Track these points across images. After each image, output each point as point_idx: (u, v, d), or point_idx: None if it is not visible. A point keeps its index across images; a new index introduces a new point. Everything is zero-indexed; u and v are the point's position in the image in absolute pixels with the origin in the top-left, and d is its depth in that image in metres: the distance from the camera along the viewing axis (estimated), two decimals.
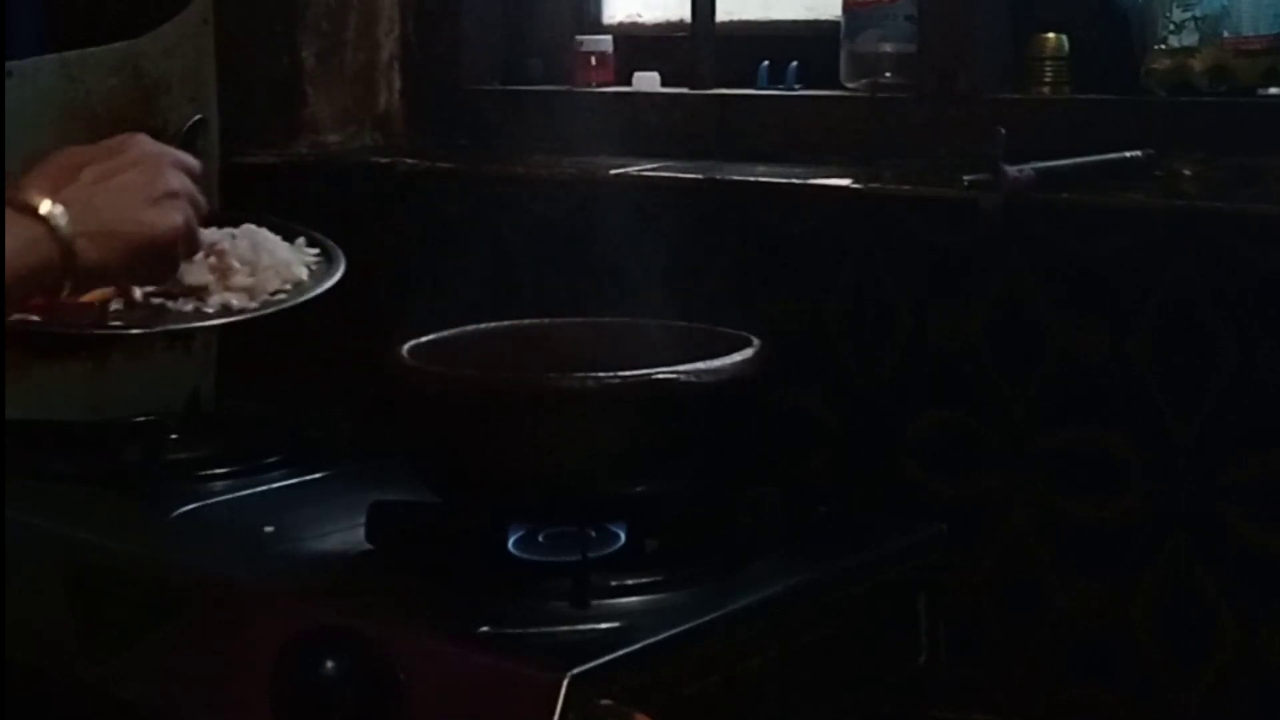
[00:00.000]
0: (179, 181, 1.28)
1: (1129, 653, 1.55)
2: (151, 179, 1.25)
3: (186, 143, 1.50)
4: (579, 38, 2.03)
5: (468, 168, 1.93)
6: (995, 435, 1.61)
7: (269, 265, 1.46)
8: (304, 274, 1.50)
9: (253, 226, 1.51)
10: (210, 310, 1.42)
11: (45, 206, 1.18)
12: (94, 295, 1.33)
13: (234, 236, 1.49)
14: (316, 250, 1.55)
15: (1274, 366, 1.46)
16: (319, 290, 1.48)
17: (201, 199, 1.32)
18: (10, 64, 1.87)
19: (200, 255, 1.40)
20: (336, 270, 1.52)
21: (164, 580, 1.48)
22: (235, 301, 1.44)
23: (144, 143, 1.29)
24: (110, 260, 1.22)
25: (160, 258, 1.27)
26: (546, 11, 2.13)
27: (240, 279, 1.44)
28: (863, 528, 1.58)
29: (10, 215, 1.17)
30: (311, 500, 1.66)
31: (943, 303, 1.63)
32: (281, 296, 1.47)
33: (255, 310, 1.44)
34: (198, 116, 1.58)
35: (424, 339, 1.54)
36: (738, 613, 1.37)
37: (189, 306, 1.41)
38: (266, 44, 2.08)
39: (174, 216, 1.26)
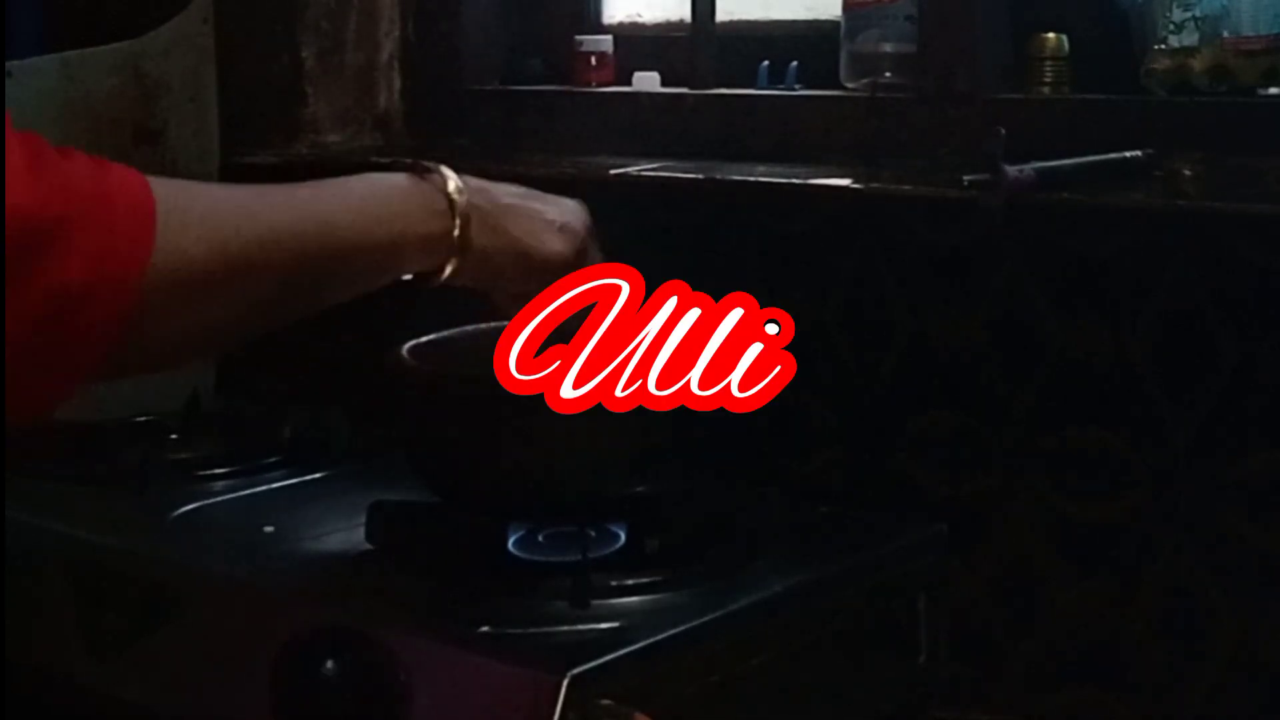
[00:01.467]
0: (583, 225, 1.32)
1: (1129, 653, 1.55)
2: (561, 214, 1.29)
3: None
4: (579, 38, 2.03)
5: (468, 168, 1.93)
6: (995, 435, 1.61)
7: None
8: None
9: None
10: None
11: (452, 182, 1.19)
12: None
13: None
14: None
15: (1274, 366, 1.46)
16: None
17: (599, 255, 1.34)
18: (10, 64, 1.87)
19: None
20: None
21: (164, 580, 1.48)
22: None
23: (576, 204, 1.34)
24: (491, 251, 1.23)
25: (536, 275, 1.27)
26: (546, 11, 2.13)
27: None
28: (863, 528, 1.58)
29: (415, 180, 1.18)
30: (311, 500, 1.66)
31: (943, 303, 1.63)
32: None
33: None
34: None
35: (424, 339, 1.54)
36: (738, 613, 1.37)
37: None
38: (266, 44, 2.08)
39: (565, 248, 1.29)
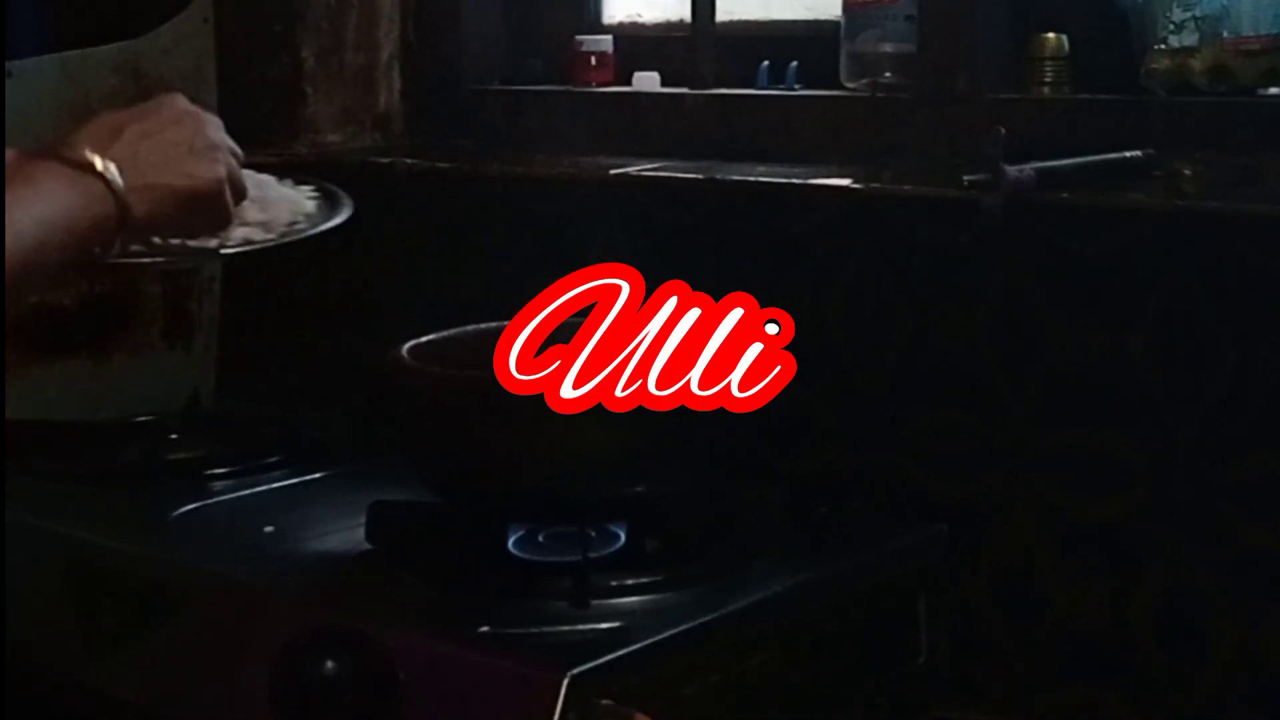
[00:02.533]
0: (218, 135, 1.30)
1: (1129, 653, 1.55)
2: (192, 133, 1.28)
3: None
4: (579, 38, 2.03)
5: (468, 168, 1.93)
6: (995, 435, 1.61)
7: (277, 199, 1.45)
8: (311, 207, 1.48)
9: (249, 170, 1.51)
10: (232, 245, 1.41)
11: (99, 162, 1.20)
12: None
13: None
14: (313, 188, 1.54)
15: (1274, 366, 1.46)
16: (336, 220, 1.45)
17: (239, 150, 1.34)
18: (10, 64, 1.87)
19: None
20: (344, 203, 1.50)
21: (164, 580, 1.48)
22: (257, 235, 1.42)
23: (178, 101, 1.32)
24: (161, 212, 1.24)
25: (209, 208, 1.29)
26: (546, 11, 2.13)
27: (253, 213, 1.42)
28: (863, 528, 1.58)
29: (66, 172, 1.19)
30: (311, 500, 1.66)
31: (943, 303, 1.63)
32: (301, 227, 1.44)
33: (276, 240, 1.43)
34: None
35: (424, 339, 1.54)
36: (738, 613, 1.37)
37: (212, 243, 1.40)
38: (266, 44, 2.08)
39: (217, 168, 1.28)
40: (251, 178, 1.45)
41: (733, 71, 1.91)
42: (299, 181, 1.52)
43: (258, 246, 1.39)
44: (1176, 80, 1.58)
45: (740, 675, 1.36)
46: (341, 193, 1.51)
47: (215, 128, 1.31)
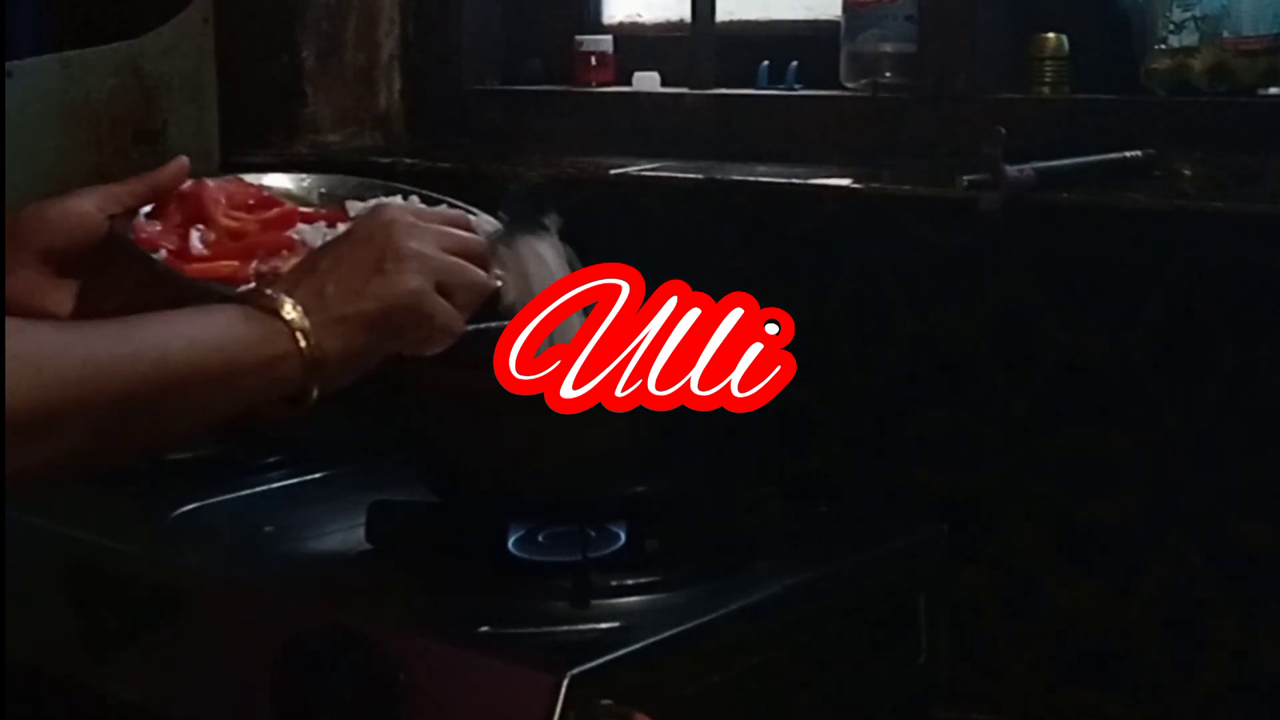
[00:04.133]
0: (420, 239, 1.20)
1: (1129, 653, 1.55)
2: (381, 248, 1.18)
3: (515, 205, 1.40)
4: (579, 38, 2.03)
5: (468, 168, 1.93)
6: (995, 435, 1.61)
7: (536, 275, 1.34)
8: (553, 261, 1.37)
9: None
10: None
11: (283, 302, 1.13)
12: None
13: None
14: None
15: (1274, 366, 1.46)
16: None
17: (473, 241, 1.25)
18: (10, 64, 1.87)
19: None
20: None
21: (164, 580, 1.48)
22: None
23: (381, 212, 1.24)
24: (351, 345, 1.16)
25: (410, 323, 1.19)
26: (546, 11, 2.13)
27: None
28: (863, 528, 1.58)
29: (245, 310, 1.13)
30: (311, 500, 1.66)
31: (943, 303, 1.63)
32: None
33: None
34: (521, 186, 1.46)
35: None
36: (738, 613, 1.37)
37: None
38: (266, 44, 2.08)
39: (408, 280, 1.18)
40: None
41: (733, 71, 1.91)
42: (431, 201, 1.40)
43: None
44: (1176, 80, 1.58)
45: (740, 675, 1.36)
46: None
47: (418, 232, 1.21)
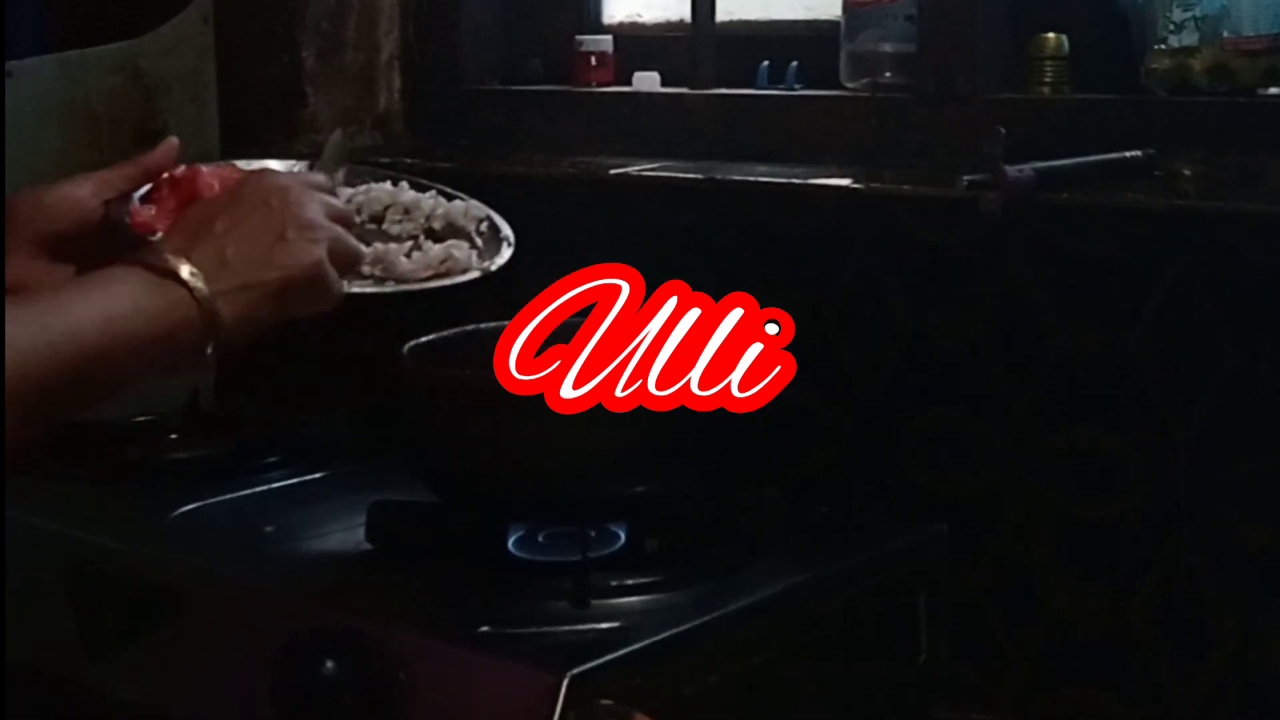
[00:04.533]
0: (314, 208, 1.21)
1: (1129, 653, 1.55)
2: (282, 216, 1.19)
3: (326, 162, 1.42)
4: (579, 38, 2.03)
5: (468, 168, 1.93)
6: (995, 435, 1.61)
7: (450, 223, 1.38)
8: (466, 252, 1.39)
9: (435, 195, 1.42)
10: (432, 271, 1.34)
11: (183, 268, 1.13)
12: None
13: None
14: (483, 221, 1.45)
15: (1274, 366, 1.46)
16: (495, 264, 1.38)
17: (346, 210, 1.27)
18: (10, 64, 1.87)
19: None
20: (504, 241, 1.42)
21: (164, 580, 1.48)
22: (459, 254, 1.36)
23: (268, 178, 1.24)
24: (254, 311, 1.17)
25: (309, 292, 1.20)
26: (546, 11, 2.13)
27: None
28: (863, 528, 1.58)
29: (147, 276, 1.13)
30: (311, 500, 1.66)
31: (943, 303, 1.63)
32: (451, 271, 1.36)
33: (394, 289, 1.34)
34: (337, 134, 1.50)
35: (424, 339, 1.54)
36: (738, 613, 1.37)
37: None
38: (266, 44, 2.08)
39: (313, 250, 1.19)
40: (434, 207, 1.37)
41: (733, 71, 1.91)
42: (420, 188, 1.44)
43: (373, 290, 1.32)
44: (1176, 80, 1.58)
45: (740, 675, 1.36)
46: (504, 226, 1.44)
47: (310, 200, 1.22)
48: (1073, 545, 1.58)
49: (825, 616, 1.45)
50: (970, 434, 1.62)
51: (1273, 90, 1.57)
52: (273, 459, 1.77)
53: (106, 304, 1.11)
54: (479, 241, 1.41)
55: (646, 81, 1.98)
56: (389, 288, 1.33)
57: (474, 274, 1.37)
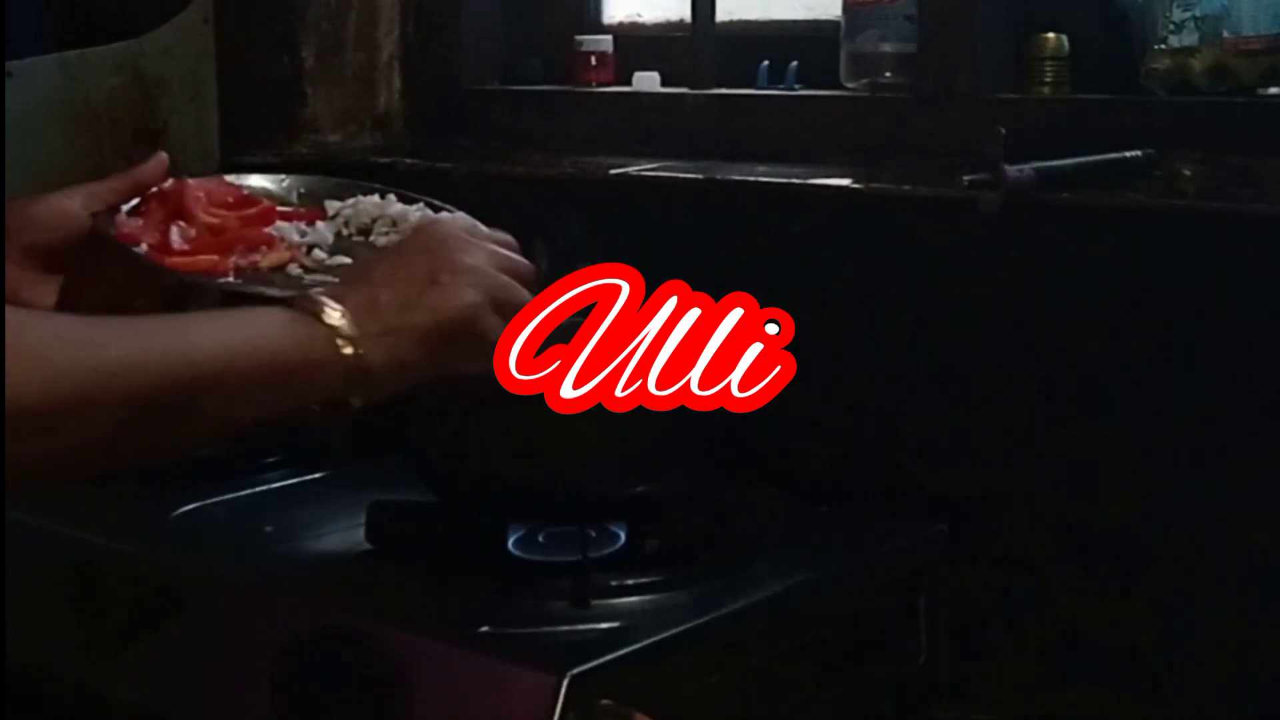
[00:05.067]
0: (476, 254, 1.20)
1: (1129, 653, 1.55)
2: (437, 260, 1.17)
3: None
4: (579, 38, 2.03)
5: (468, 168, 1.93)
6: (995, 435, 1.61)
7: None
8: None
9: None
10: None
11: (329, 308, 1.11)
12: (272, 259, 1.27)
13: None
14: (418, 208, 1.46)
15: (1274, 366, 1.46)
16: None
17: (524, 264, 1.24)
18: (10, 64, 1.87)
19: None
20: None
21: (164, 580, 1.48)
22: None
23: (437, 226, 1.24)
24: (399, 357, 1.13)
25: (463, 338, 1.17)
26: (546, 11, 2.13)
27: None
28: (863, 528, 1.58)
29: (290, 314, 1.11)
30: (311, 500, 1.66)
31: (943, 303, 1.63)
32: None
33: None
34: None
35: None
36: (738, 613, 1.37)
37: None
38: (266, 44, 2.08)
39: (464, 294, 1.16)
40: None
41: (733, 71, 1.91)
42: (408, 200, 1.42)
43: None
44: (1176, 80, 1.58)
45: (740, 675, 1.36)
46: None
47: (473, 247, 1.20)
48: (1073, 545, 1.57)
49: (825, 616, 1.45)
50: (970, 434, 1.62)
51: (1273, 90, 1.57)
52: (273, 459, 1.77)
53: (235, 331, 1.08)
54: None
55: (646, 81, 1.98)
56: None
57: None
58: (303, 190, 1.40)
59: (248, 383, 1.07)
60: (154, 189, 1.32)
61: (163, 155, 1.35)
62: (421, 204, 1.40)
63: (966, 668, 1.62)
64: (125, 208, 1.31)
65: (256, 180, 1.40)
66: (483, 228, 1.28)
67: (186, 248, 1.27)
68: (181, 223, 1.29)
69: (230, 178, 1.38)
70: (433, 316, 1.15)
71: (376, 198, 1.40)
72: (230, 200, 1.34)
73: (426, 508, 1.50)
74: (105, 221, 1.28)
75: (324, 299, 1.12)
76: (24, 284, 1.27)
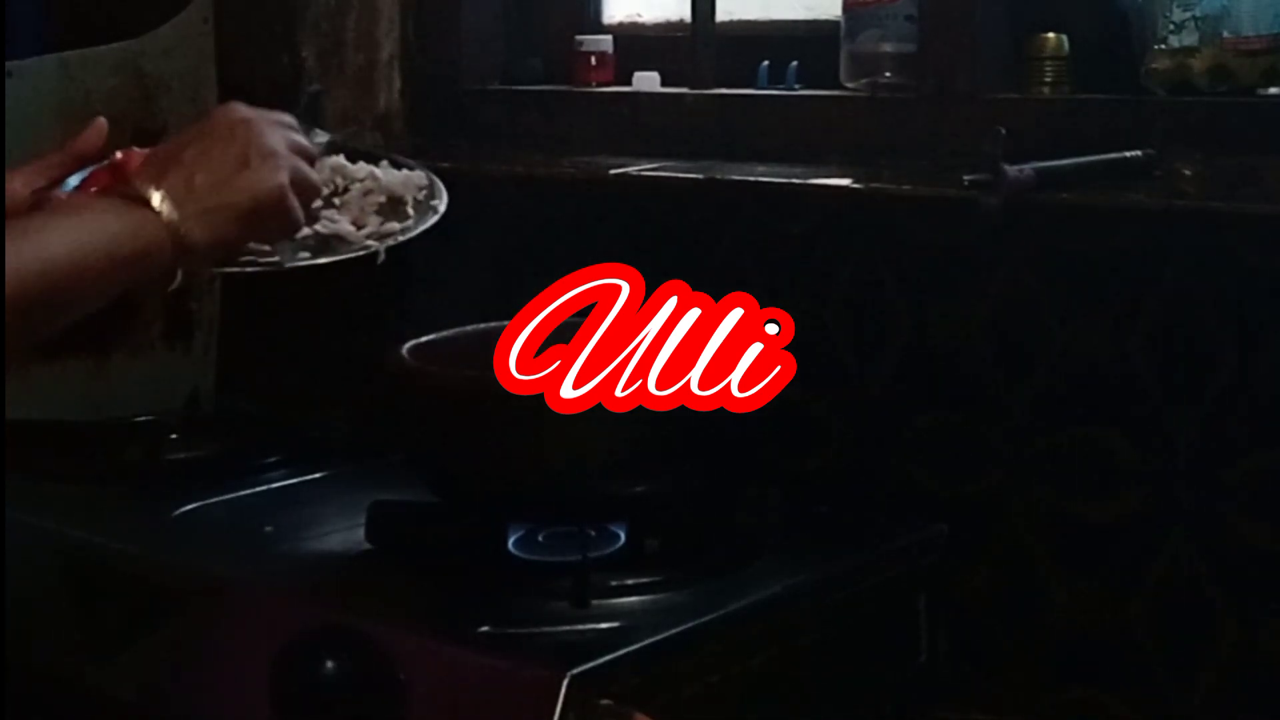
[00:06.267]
0: (276, 138, 1.27)
1: (1129, 653, 1.55)
2: (245, 143, 1.24)
3: (306, 113, 1.45)
4: (579, 38, 2.03)
5: (468, 168, 1.93)
6: (995, 435, 1.61)
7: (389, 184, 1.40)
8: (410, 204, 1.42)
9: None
10: (368, 234, 1.36)
11: (152, 194, 1.19)
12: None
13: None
14: (423, 176, 1.46)
15: (1274, 366, 1.46)
16: (430, 220, 1.40)
17: (309, 146, 1.31)
18: (10, 64, 1.87)
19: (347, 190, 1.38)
20: (439, 197, 1.43)
21: (164, 580, 1.48)
22: (394, 223, 1.38)
23: (232, 111, 1.29)
24: (220, 235, 1.21)
25: (273, 217, 1.25)
26: (546, 11, 2.13)
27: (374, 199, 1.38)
28: (863, 528, 1.58)
29: (116, 203, 1.19)
30: (311, 500, 1.66)
31: (943, 303, 1.63)
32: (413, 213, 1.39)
33: (412, 226, 1.37)
34: (315, 87, 1.54)
35: (424, 339, 1.55)
36: (738, 613, 1.37)
37: (289, 252, 1.33)
38: (266, 44, 2.08)
39: (277, 175, 1.24)
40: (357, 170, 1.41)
41: (733, 71, 1.91)
42: (398, 165, 1.46)
43: (403, 236, 1.35)
44: (1176, 80, 1.58)
45: (740, 675, 1.36)
46: (439, 184, 1.45)
47: (273, 131, 1.27)
48: (1073, 545, 1.57)
49: (825, 616, 1.45)
50: (970, 434, 1.62)
51: (1273, 90, 1.57)
52: (273, 459, 1.77)
53: (76, 229, 1.16)
54: (411, 210, 1.41)
55: (646, 81, 1.98)
56: (326, 257, 1.35)
57: (399, 238, 1.37)
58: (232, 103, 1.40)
59: (95, 274, 1.16)
60: (104, 163, 1.33)
61: (101, 122, 1.38)
62: (385, 162, 1.43)
63: (966, 668, 1.62)
64: (71, 181, 1.32)
65: (232, 103, 1.40)
66: (276, 113, 1.33)
67: None
68: None
69: None
70: (246, 196, 1.23)
71: (334, 157, 1.41)
72: None
73: (426, 508, 1.50)
74: (47, 199, 1.29)
75: (144, 185, 1.20)
76: None
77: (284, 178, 1.25)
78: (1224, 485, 1.49)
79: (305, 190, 1.28)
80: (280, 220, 1.26)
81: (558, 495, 1.44)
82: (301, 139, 1.31)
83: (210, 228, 1.21)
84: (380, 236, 1.36)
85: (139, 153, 1.34)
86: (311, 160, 1.30)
